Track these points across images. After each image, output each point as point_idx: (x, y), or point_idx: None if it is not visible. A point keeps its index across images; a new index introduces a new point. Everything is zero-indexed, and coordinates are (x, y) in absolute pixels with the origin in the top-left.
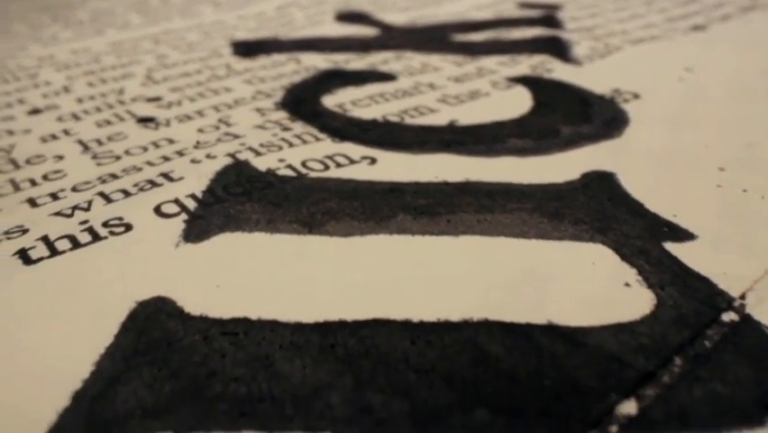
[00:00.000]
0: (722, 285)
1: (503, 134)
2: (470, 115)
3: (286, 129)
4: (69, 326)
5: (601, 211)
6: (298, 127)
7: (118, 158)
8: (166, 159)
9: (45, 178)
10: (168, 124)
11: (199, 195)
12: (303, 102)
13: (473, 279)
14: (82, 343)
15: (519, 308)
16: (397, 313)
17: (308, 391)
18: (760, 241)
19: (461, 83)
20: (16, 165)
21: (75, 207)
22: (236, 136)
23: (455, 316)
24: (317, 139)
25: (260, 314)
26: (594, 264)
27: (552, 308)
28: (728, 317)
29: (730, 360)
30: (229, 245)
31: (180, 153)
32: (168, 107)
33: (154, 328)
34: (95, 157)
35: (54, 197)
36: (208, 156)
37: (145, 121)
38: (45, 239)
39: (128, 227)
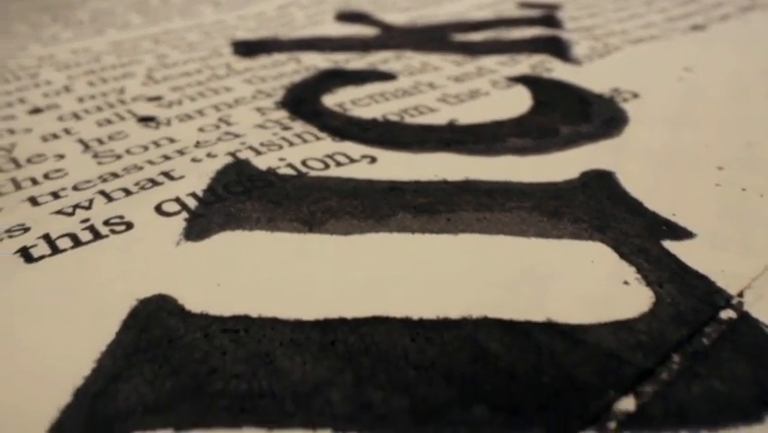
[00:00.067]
0: (720, 283)
1: (503, 134)
2: (469, 114)
3: (286, 128)
4: (71, 323)
5: (600, 210)
6: (299, 126)
7: (119, 157)
8: (167, 158)
9: (46, 176)
10: (168, 123)
11: (200, 193)
12: (303, 101)
13: (473, 277)
14: (83, 340)
15: (518, 306)
16: (396, 310)
17: (309, 387)
18: (758, 239)
19: (460, 82)
20: (17, 164)
21: (76, 206)
22: (237, 135)
23: (455, 313)
24: (317, 138)
25: (260, 311)
26: (593, 262)
27: (551, 306)
28: (726, 314)
29: (728, 357)
30: (230, 244)
31: (181, 152)
32: (168, 107)
33: (155, 326)
34: (96, 156)
35: (55, 195)
36: (209, 155)
37: (146, 120)
38: (46, 237)
39: (129, 226)
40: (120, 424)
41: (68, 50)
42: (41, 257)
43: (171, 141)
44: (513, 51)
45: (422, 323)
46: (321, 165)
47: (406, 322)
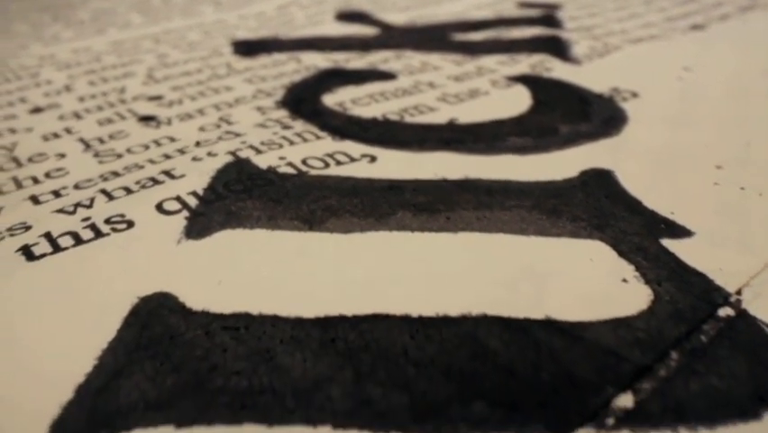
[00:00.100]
0: (718, 281)
1: (502, 133)
2: (469, 113)
3: (286, 127)
4: (72, 321)
5: (599, 208)
6: (299, 125)
7: (120, 156)
8: (167, 157)
9: (47, 175)
10: (169, 122)
11: (200, 192)
12: (303, 101)
13: (472, 275)
14: (85, 337)
15: (517, 304)
16: (396, 308)
17: (309, 384)
18: (757, 238)
19: (460, 82)
20: (18, 163)
21: (77, 205)
22: (237, 134)
23: (454, 311)
24: (318, 137)
25: (261, 309)
26: (592, 261)
27: (550, 304)
28: (724, 312)
29: (726, 354)
30: (230, 242)
31: (182, 151)
32: (169, 106)
33: (156, 323)
34: (96, 155)
35: (56, 194)
36: (209, 154)
37: (146, 119)
38: (48, 236)
39: (130, 224)
40: (121, 420)
41: (69, 49)
42: (43, 255)
43: (172, 140)
44: (513, 51)
45: (421, 320)
46: (321, 164)
47: (405, 319)
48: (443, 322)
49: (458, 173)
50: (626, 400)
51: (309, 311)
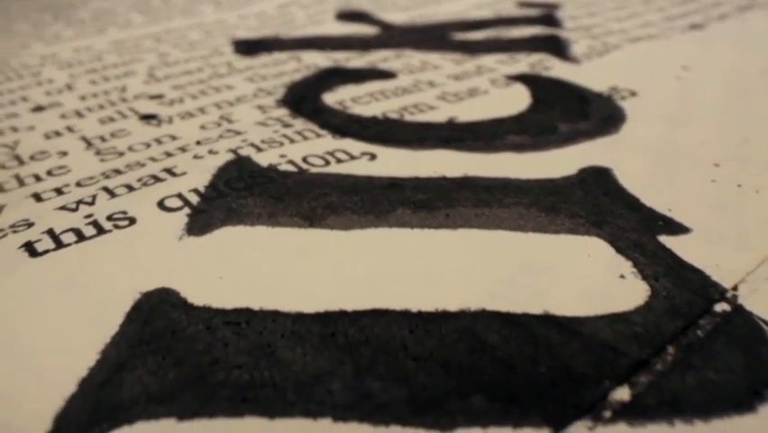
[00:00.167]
0: (715, 277)
1: (501, 131)
2: (468, 112)
3: (287, 126)
4: (75, 316)
5: (597, 205)
6: (299, 124)
7: (121, 154)
8: (168, 155)
9: (49, 173)
10: (170, 121)
11: (202, 189)
12: (304, 99)
13: (471, 271)
14: (88, 332)
15: (516, 299)
16: (396, 303)
17: (309, 377)
18: (753, 234)
19: (460, 81)
20: (21, 161)
21: (79, 202)
22: (238, 133)
23: (453, 306)
24: (318, 135)
25: (261, 304)
26: (590, 257)
27: (548, 299)
28: (721, 307)
29: (722, 348)
30: (231, 238)
31: (183, 149)
32: (170, 105)
33: (158, 318)
34: (98, 153)
35: (59, 191)
36: (210, 152)
37: (148, 118)
38: (50, 232)
39: (132, 221)
40: (124, 413)
41: (70, 48)
42: (46, 251)
43: (173, 138)
44: (512, 50)
45: (421, 315)
46: (321, 162)
47: (405, 314)
48: (443, 317)
49: (457, 171)
50: (622, 394)
51: (310, 306)
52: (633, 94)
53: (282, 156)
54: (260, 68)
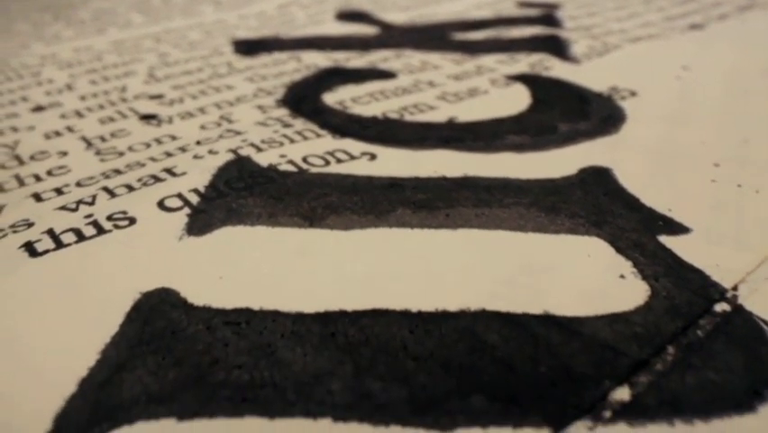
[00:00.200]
0: (715, 277)
1: (501, 131)
2: (468, 112)
3: (287, 126)
4: (75, 316)
5: (597, 205)
6: (299, 124)
7: (121, 154)
8: (168, 155)
9: (49, 173)
10: (170, 121)
11: (202, 189)
12: (304, 99)
13: (471, 271)
14: (88, 332)
15: (516, 299)
16: (396, 303)
17: (309, 377)
18: (753, 234)
19: (460, 81)
20: (20, 161)
21: (79, 202)
22: (238, 133)
23: (453, 306)
24: (318, 135)
25: (261, 304)
26: (590, 257)
27: (548, 299)
28: (721, 307)
29: (722, 348)
30: (231, 238)
31: (183, 149)
32: (170, 105)
33: (158, 318)
34: (98, 153)
35: (59, 191)
36: (210, 152)
37: (148, 118)
38: (50, 232)
39: (132, 221)
40: (124, 413)
41: (70, 48)
42: (46, 251)
43: (173, 138)
44: (512, 50)
45: (421, 315)
46: (321, 162)
47: (405, 314)
48: (443, 317)
49: (457, 171)
50: (622, 394)
51: (309, 307)
52: (633, 94)
53: (282, 156)
54: (260, 68)
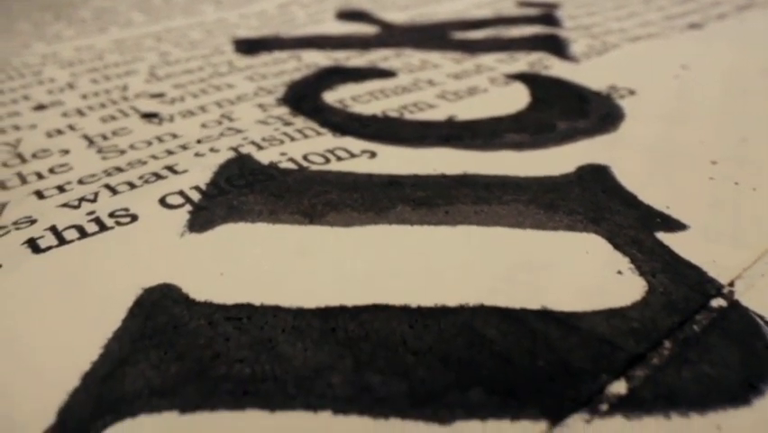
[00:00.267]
0: (712, 273)
1: (500, 129)
2: (468, 110)
3: (287, 124)
4: (78, 311)
5: (595, 202)
6: (300, 122)
7: (123, 152)
8: (170, 153)
9: (51, 171)
10: (171, 119)
11: (203, 187)
12: (304, 98)
13: (470, 267)
14: (90, 327)
15: (514, 295)
16: (395, 299)
17: (310, 371)
18: (750, 231)
19: (459, 80)
20: (23, 159)
21: (82, 199)
22: (239, 131)
23: (452, 301)
24: (318, 133)
25: (262, 300)
26: (588, 253)
27: (546, 295)
28: (717, 303)
29: (718, 343)
30: (232, 235)
31: (184, 147)
32: (171, 103)
33: (160, 313)
34: (100, 151)
35: (61, 189)
36: (211, 150)
37: (149, 116)
38: (53, 229)
39: (134, 218)
40: (126, 406)
41: (72, 47)
42: (49, 248)
43: (174, 136)
44: (511, 49)
45: (420, 310)
46: (322, 159)
47: (404, 310)
48: (442, 312)
49: (456, 169)
50: (619, 387)
51: (310, 302)
52: (632, 93)
53: (283, 154)
54: (260, 66)
